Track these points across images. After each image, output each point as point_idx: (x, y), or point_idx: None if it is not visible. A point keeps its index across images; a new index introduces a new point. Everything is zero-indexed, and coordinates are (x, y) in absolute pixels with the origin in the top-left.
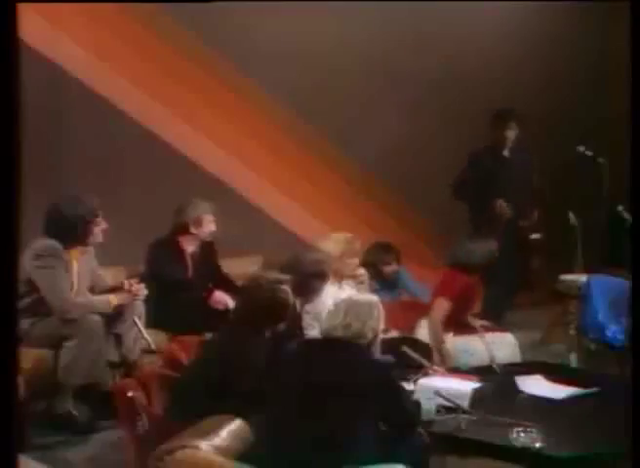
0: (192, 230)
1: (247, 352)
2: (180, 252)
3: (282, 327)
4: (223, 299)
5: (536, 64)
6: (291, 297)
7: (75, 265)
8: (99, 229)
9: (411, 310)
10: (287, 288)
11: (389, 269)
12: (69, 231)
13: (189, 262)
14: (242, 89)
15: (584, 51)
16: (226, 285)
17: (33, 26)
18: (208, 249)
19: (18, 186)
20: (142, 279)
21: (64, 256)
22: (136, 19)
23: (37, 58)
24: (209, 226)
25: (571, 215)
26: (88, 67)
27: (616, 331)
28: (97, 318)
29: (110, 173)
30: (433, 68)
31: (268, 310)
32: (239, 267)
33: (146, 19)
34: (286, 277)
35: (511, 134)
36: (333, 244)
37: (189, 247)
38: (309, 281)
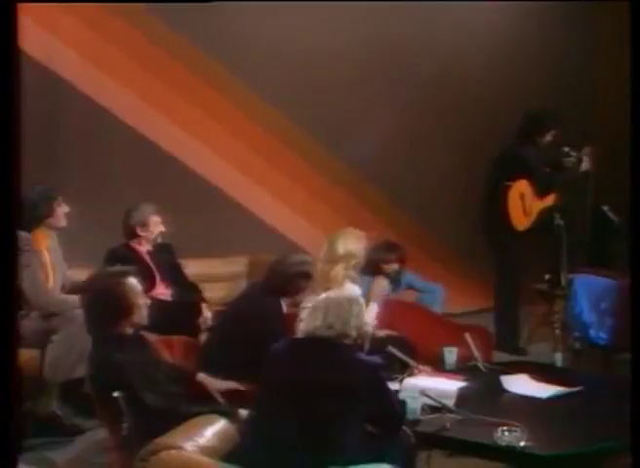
0: (140, 233)
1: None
2: (136, 253)
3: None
4: (209, 316)
5: (535, 65)
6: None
7: (47, 255)
8: (61, 210)
9: (398, 309)
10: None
11: (388, 268)
12: (32, 212)
13: (149, 262)
14: (233, 90)
15: (584, 51)
16: (189, 287)
17: (24, 29)
18: (166, 250)
19: (17, 186)
20: None
21: (34, 246)
22: (127, 21)
23: (27, 61)
24: (156, 227)
25: (555, 215)
26: (79, 70)
27: (599, 330)
28: (81, 311)
29: (107, 174)
30: (431, 68)
31: (295, 279)
32: (225, 267)
33: (138, 20)
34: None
35: (550, 138)
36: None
37: (143, 248)
38: (294, 281)
